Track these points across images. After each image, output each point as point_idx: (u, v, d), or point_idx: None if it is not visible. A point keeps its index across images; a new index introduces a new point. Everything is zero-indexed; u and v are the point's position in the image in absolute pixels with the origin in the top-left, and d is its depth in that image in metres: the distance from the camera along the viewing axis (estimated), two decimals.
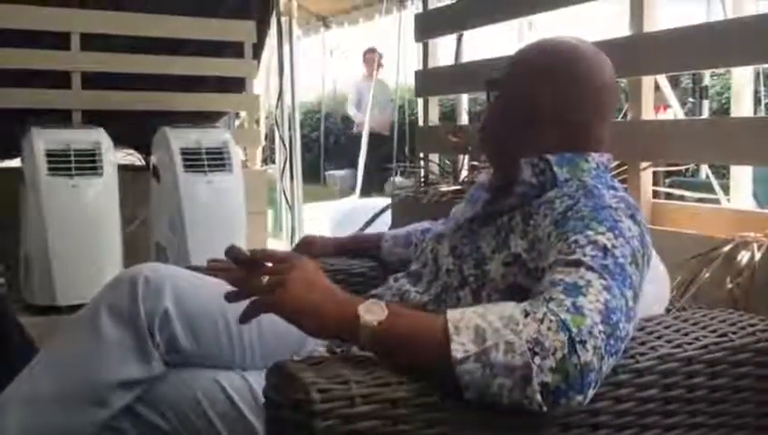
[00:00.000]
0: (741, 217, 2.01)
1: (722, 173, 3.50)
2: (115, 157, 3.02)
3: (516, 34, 6.87)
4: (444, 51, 3.59)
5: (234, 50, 3.73)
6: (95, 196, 2.85)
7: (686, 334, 1.13)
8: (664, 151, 2.19)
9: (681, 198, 2.56)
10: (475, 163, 2.96)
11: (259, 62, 4.04)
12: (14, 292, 2.81)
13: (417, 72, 3.66)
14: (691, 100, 4.12)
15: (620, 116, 2.38)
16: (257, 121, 4.18)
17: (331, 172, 11.49)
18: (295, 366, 0.95)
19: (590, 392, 0.92)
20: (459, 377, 0.91)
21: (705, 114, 4.02)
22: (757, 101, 4.16)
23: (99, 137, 2.94)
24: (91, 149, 2.87)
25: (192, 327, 1.25)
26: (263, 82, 5.40)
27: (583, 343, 0.91)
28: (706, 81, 4.11)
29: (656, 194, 2.35)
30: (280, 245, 4.90)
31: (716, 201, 2.70)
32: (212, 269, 1.48)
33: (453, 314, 0.96)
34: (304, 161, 5.75)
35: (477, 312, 0.96)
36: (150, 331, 1.22)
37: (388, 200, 3.66)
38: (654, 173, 2.31)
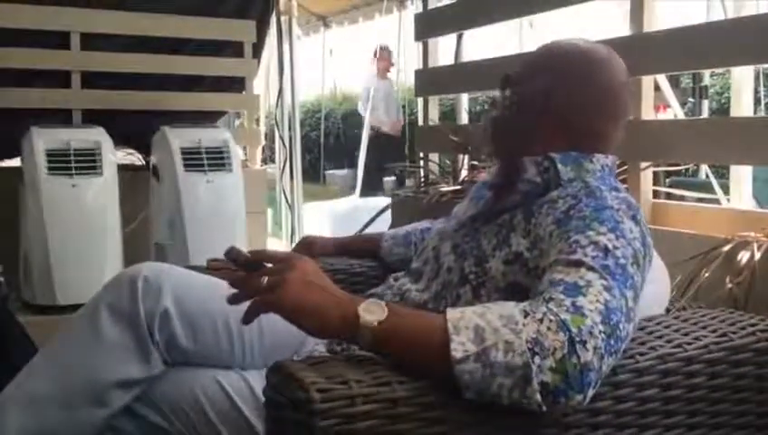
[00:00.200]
0: (741, 216, 2.01)
1: (721, 173, 3.51)
2: (115, 156, 3.02)
3: (516, 34, 6.87)
4: (444, 50, 3.58)
5: (234, 49, 3.73)
6: (95, 195, 2.85)
7: (686, 334, 1.13)
8: (664, 151, 2.19)
9: (681, 197, 2.56)
10: (475, 163, 2.96)
11: (259, 61, 4.04)
12: (13, 291, 2.81)
13: (417, 72, 3.65)
14: (691, 99, 4.12)
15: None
16: (257, 121, 4.18)
17: (331, 172, 11.49)
18: (295, 366, 0.95)
19: (590, 392, 0.92)
20: (459, 377, 0.91)
21: (705, 114, 4.02)
22: (757, 101, 4.16)
23: (99, 136, 2.94)
24: (90, 148, 2.87)
25: (192, 327, 1.25)
26: (263, 82, 5.39)
27: (583, 342, 0.91)
28: (706, 80, 4.11)
29: (656, 194, 2.35)
30: (280, 244, 4.90)
31: (716, 201, 2.70)
32: (212, 269, 1.48)
33: (453, 314, 0.96)
34: (304, 161, 5.75)
35: (477, 311, 0.96)
36: (150, 330, 1.22)
37: (388, 200, 3.66)
38: (654, 173, 2.31)
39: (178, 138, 3.04)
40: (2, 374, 1.27)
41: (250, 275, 1.07)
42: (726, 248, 1.74)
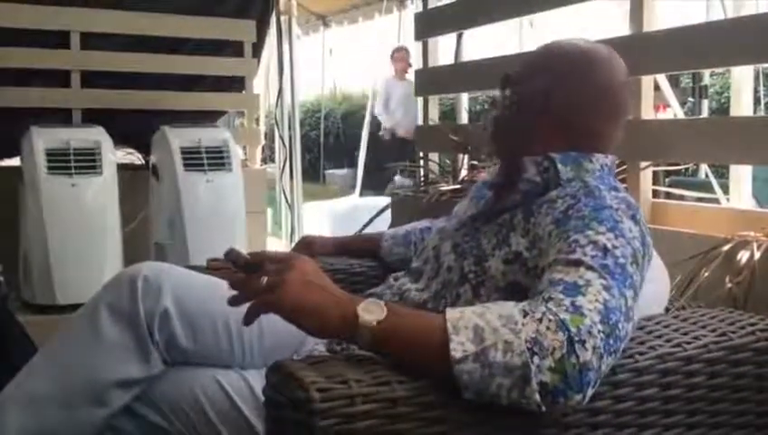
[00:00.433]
0: (740, 216, 2.01)
1: (721, 172, 3.51)
2: (115, 156, 3.02)
3: (517, 33, 6.87)
4: (444, 50, 3.58)
5: (233, 49, 3.73)
6: (95, 195, 2.85)
7: (685, 334, 1.13)
8: (663, 151, 2.19)
9: (681, 197, 2.56)
10: (475, 162, 2.96)
11: (259, 61, 4.04)
12: (13, 291, 2.81)
13: (416, 72, 3.65)
14: (691, 99, 4.13)
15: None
16: (257, 121, 4.18)
17: (331, 171, 11.50)
18: (295, 365, 0.95)
19: (589, 392, 0.92)
20: (458, 377, 0.91)
21: (705, 114, 4.03)
22: (757, 101, 4.16)
23: (98, 136, 2.94)
24: (90, 148, 2.87)
25: (192, 326, 1.25)
26: (262, 82, 5.39)
27: (582, 342, 0.91)
28: (706, 80, 4.11)
29: (655, 193, 2.35)
30: (279, 244, 4.90)
31: (716, 201, 2.70)
32: (212, 269, 1.48)
33: (452, 314, 0.96)
34: (304, 160, 5.75)
35: (476, 311, 0.96)
36: (150, 330, 1.22)
37: (387, 200, 3.66)
38: (653, 173, 2.31)
39: (178, 137, 3.04)
40: (2, 374, 1.27)
41: (249, 277, 1.07)
42: (726, 248, 1.74)
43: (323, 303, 1.00)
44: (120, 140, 3.25)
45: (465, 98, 3.58)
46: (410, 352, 0.96)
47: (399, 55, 7.58)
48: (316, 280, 1.03)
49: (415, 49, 3.96)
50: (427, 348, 0.94)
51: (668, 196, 2.59)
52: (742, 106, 2.36)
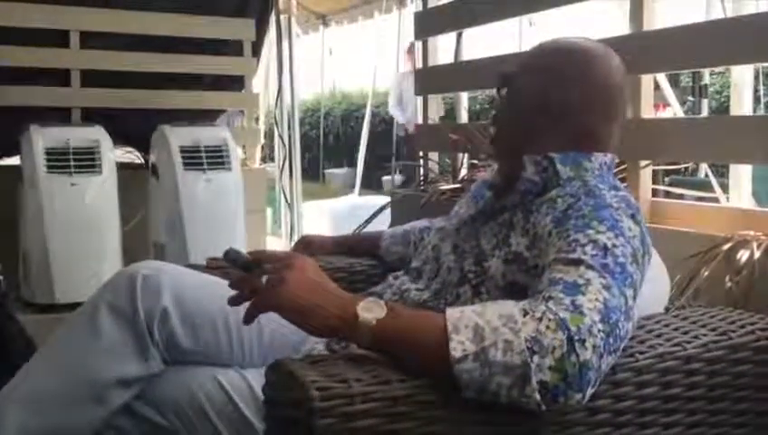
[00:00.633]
0: (740, 215, 2.00)
1: (721, 172, 3.51)
2: (114, 155, 3.01)
3: (517, 32, 6.87)
4: (443, 49, 3.58)
5: (233, 48, 3.73)
6: (94, 194, 2.84)
7: (685, 333, 1.13)
8: (663, 150, 2.19)
9: (680, 196, 2.56)
10: (475, 162, 2.96)
11: (258, 60, 4.04)
12: (12, 290, 2.81)
13: (416, 71, 3.65)
14: (690, 98, 4.13)
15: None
16: (256, 120, 4.18)
17: (331, 171, 11.50)
18: (294, 364, 0.95)
19: (589, 391, 0.92)
20: (458, 376, 0.91)
21: (705, 113, 4.03)
22: (756, 100, 4.16)
23: (98, 135, 2.94)
24: (90, 147, 2.87)
25: (191, 325, 1.25)
26: (262, 81, 5.39)
27: (582, 341, 0.91)
28: (706, 79, 4.11)
29: (655, 193, 2.35)
30: (279, 243, 4.89)
31: (716, 200, 2.70)
32: (211, 268, 1.48)
33: (452, 313, 0.96)
34: (303, 160, 5.75)
35: (476, 311, 0.96)
36: (149, 329, 1.22)
37: (386, 198, 3.65)
38: (653, 172, 2.31)
39: (178, 136, 3.04)
40: (1, 373, 1.27)
41: (249, 276, 1.07)
42: (726, 247, 1.73)
43: (323, 302, 1.00)
44: (120, 139, 3.24)
45: (464, 97, 3.58)
46: (410, 351, 0.96)
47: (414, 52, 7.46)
48: (316, 279, 1.03)
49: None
50: (427, 347, 0.94)
51: (668, 195, 2.59)
52: (742, 105, 2.36)
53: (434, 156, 3.42)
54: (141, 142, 3.35)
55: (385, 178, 7.87)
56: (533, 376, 0.89)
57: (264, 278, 1.04)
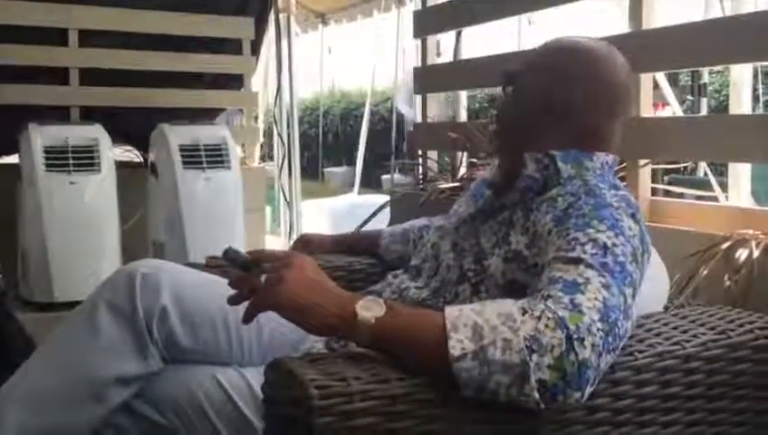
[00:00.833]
0: (740, 214, 2.00)
1: (720, 171, 3.51)
2: (113, 153, 3.01)
3: (516, 31, 6.87)
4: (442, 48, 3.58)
5: (232, 47, 3.72)
6: (93, 192, 2.84)
7: (684, 332, 1.13)
8: (663, 149, 2.19)
9: (680, 195, 2.56)
10: (474, 160, 2.96)
11: (257, 58, 4.03)
12: (11, 289, 2.81)
13: (415, 69, 3.65)
14: (690, 97, 4.13)
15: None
16: (255, 118, 4.17)
17: (330, 169, 11.50)
18: (294, 363, 0.95)
19: (588, 390, 0.93)
20: (456, 374, 0.91)
21: (704, 112, 4.03)
22: (755, 99, 4.16)
23: (97, 133, 2.93)
24: (88, 145, 2.86)
25: (190, 324, 1.25)
26: (261, 80, 5.39)
27: (581, 340, 0.91)
28: (705, 78, 4.11)
29: (654, 191, 2.35)
30: (278, 242, 4.89)
31: (715, 199, 2.70)
32: (210, 266, 1.48)
33: (451, 312, 0.96)
34: (302, 158, 5.75)
35: (475, 309, 0.96)
36: (148, 327, 1.22)
37: (386, 197, 3.66)
38: (653, 171, 2.31)
39: (177, 135, 3.03)
40: (0, 372, 1.27)
41: (248, 275, 1.07)
42: (725, 246, 1.73)
43: (322, 300, 1.00)
44: (119, 137, 3.24)
45: (463, 96, 3.58)
46: (409, 349, 0.96)
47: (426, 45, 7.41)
48: (314, 278, 1.03)
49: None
50: (426, 346, 0.94)
51: (667, 194, 2.59)
52: (741, 104, 2.36)
53: (433, 154, 3.42)
54: (140, 141, 3.35)
55: (384, 176, 7.87)
56: (532, 375, 0.89)
57: (263, 277, 1.04)
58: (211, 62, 3.69)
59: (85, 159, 2.83)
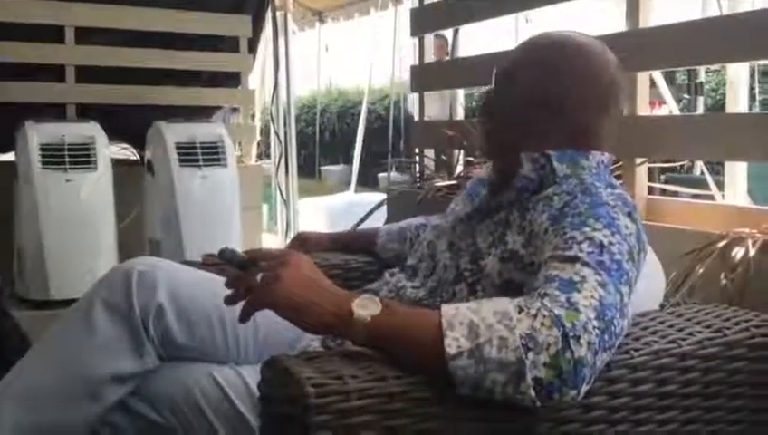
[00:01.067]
0: (736, 213, 2.01)
1: (716, 170, 3.52)
2: (109, 151, 3.00)
3: (513, 29, 6.87)
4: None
5: (229, 44, 3.72)
6: (89, 190, 2.83)
7: (680, 330, 1.14)
8: (659, 147, 2.19)
9: (675, 194, 2.57)
10: (471, 158, 2.96)
11: (254, 56, 4.03)
12: (7, 286, 2.80)
13: (412, 67, 3.65)
14: (686, 96, 4.14)
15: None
16: (252, 116, 4.17)
17: (326, 167, 11.50)
18: (290, 361, 0.95)
19: (584, 388, 0.93)
20: (453, 373, 0.91)
21: (701, 110, 4.03)
22: (751, 98, 4.17)
23: (93, 131, 2.93)
24: (85, 143, 2.86)
25: (186, 322, 1.25)
26: (258, 77, 5.38)
27: (577, 338, 0.91)
28: (701, 77, 4.12)
29: (651, 190, 2.35)
30: (275, 240, 4.89)
31: (711, 197, 2.71)
32: (207, 264, 1.48)
33: (447, 310, 0.96)
34: (299, 156, 5.75)
35: (471, 307, 0.96)
36: (144, 325, 1.22)
37: (382, 195, 3.66)
38: (649, 169, 2.32)
39: (173, 133, 3.03)
40: None
41: (245, 274, 1.07)
42: (721, 244, 1.73)
43: (318, 298, 1.00)
44: (115, 135, 3.23)
45: (461, 94, 3.58)
46: (405, 347, 0.96)
47: (438, 43, 7.27)
48: (311, 276, 1.03)
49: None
50: (422, 344, 0.94)
51: (664, 193, 2.59)
52: (737, 103, 2.36)
53: (429, 153, 3.42)
54: (137, 138, 3.34)
55: (381, 174, 7.88)
56: (528, 373, 0.89)
57: (259, 276, 1.04)
58: (208, 60, 3.69)
59: (81, 156, 2.83)
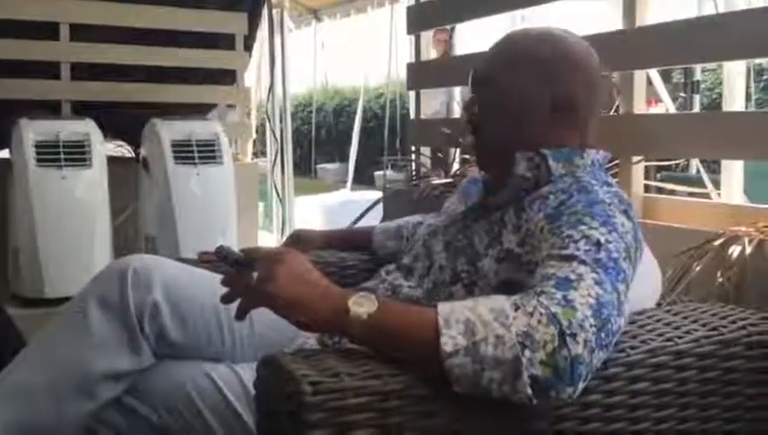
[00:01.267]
0: (732, 211, 2.01)
1: (713, 169, 3.52)
2: (104, 148, 3.00)
3: (509, 26, 6.86)
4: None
5: (225, 42, 3.71)
6: (84, 187, 2.83)
7: (676, 328, 1.14)
8: (656, 145, 2.19)
9: (671, 192, 2.57)
10: (467, 156, 2.96)
11: (250, 54, 4.02)
12: (2, 284, 2.80)
13: (408, 65, 3.65)
14: (682, 94, 4.14)
15: (612, 110, 2.38)
16: (248, 114, 4.16)
17: (322, 165, 11.49)
18: (286, 358, 0.95)
19: (581, 385, 0.92)
20: (449, 370, 0.91)
21: (697, 109, 4.04)
22: (747, 97, 4.18)
23: (88, 128, 2.92)
24: (80, 140, 2.85)
25: (182, 319, 1.24)
26: (254, 75, 5.37)
27: (573, 335, 0.91)
28: (697, 76, 4.13)
29: (647, 188, 2.35)
30: (271, 238, 4.89)
31: (707, 196, 2.71)
32: (202, 262, 1.48)
33: (443, 308, 0.96)
34: (295, 155, 5.75)
35: (467, 305, 0.96)
36: (140, 323, 1.22)
37: (378, 193, 3.65)
38: (645, 168, 2.32)
39: (169, 130, 3.02)
40: None
41: (241, 272, 1.06)
42: (717, 243, 1.74)
43: (314, 296, 1.00)
44: (111, 132, 3.23)
45: (457, 92, 3.58)
46: (401, 345, 0.96)
47: (442, 36, 7.15)
48: (307, 274, 1.03)
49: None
50: (418, 342, 0.94)
51: (660, 191, 2.60)
52: (734, 101, 2.36)
53: (426, 151, 3.42)
54: (132, 136, 3.33)
55: (377, 173, 7.87)
56: (525, 371, 0.89)
57: (256, 274, 1.04)
58: (204, 58, 3.69)
59: (76, 153, 2.82)
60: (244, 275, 1.05)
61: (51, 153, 2.78)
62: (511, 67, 1.27)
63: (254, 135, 4.60)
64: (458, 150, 3.07)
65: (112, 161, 3.08)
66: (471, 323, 0.92)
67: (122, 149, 3.55)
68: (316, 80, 11.61)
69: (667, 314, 1.21)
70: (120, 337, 1.21)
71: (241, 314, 1.06)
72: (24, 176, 2.76)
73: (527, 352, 0.89)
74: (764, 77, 6.63)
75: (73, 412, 1.20)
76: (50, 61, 3.35)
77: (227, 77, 3.80)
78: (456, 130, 2.92)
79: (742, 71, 2.96)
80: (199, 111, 3.72)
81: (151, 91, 3.52)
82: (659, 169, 2.99)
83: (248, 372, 1.18)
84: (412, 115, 3.64)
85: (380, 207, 3.35)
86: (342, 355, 0.97)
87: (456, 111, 3.57)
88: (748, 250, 1.67)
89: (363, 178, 8.24)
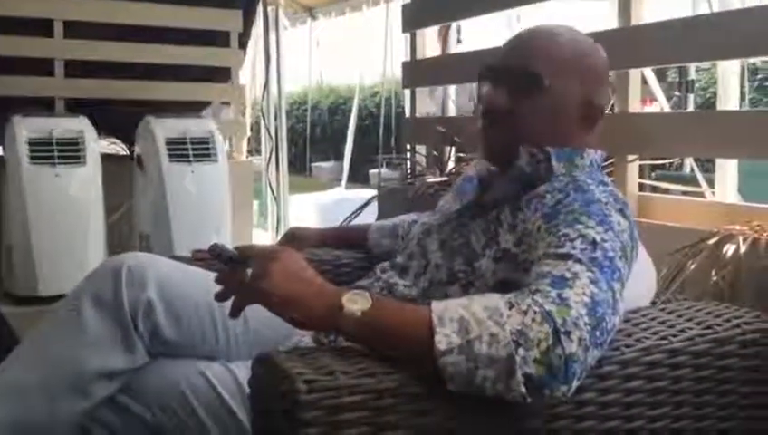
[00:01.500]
0: (727, 210, 2.02)
1: (707, 167, 3.53)
2: (98, 146, 2.99)
3: (505, 24, 6.86)
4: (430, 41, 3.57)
5: (220, 39, 3.70)
6: (78, 185, 2.82)
7: (671, 326, 1.14)
8: (650, 144, 2.19)
9: (666, 191, 2.58)
10: (462, 154, 2.96)
11: (245, 52, 4.01)
12: None
13: (404, 63, 3.64)
14: (677, 93, 4.15)
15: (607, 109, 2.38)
16: (243, 112, 4.16)
17: (317, 164, 11.48)
18: (281, 357, 0.95)
19: (575, 383, 0.92)
20: (443, 369, 0.91)
21: (691, 108, 4.05)
22: (741, 96, 4.19)
23: (82, 125, 2.91)
24: (74, 137, 2.84)
25: (176, 317, 1.24)
26: (249, 73, 5.37)
27: (568, 334, 0.91)
28: (692, 75, 4.14)
29: (642, 187, 2.36)
30: (265, 236, 4.89)
31: (701, 195, 2.72)
32: (196, 260, 1.47)
33: (437, 306, 0.96)
34: (290, 153, 5.74)
35: (462, 303, 0.96)
36: (134, 321, 1.21)
37: (373, 192, 3.65)
38: (640, 167, 2.32)
39: (163, 128, 3.01)
40: None
41: (235, 270, 1.06)
42: (712, 241, 1.74)
43: (308, 293, 1.00)
44: (105, 129, 3.21)
45: (452, 90, 3.58)
46: (395, 343, 0.96)
47: (446, 33, 7.14)
48: (301, 271, 1.03)
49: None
50: (412, 340, 0.94)
51: (654, 190, 2.60)
52: (728, 100, 2.37)
53: (421, 149, 3.42)
54: (126, 133, 3.32)
55: (372, 171, 7.87)
56: (518, 369, 0.89)
57: (250, 272, 1.04)
58: (198, 55, 3.67)
59: (70, 151, 2.81)
60: (239, 272, 1.05)
61: (44, 151, 2.77)
62: (561, 66, 1.24)
63: (249, 133, 4.60)
64: (454, 149, 3.07)
65: (106, 159, 3.07)
66: (465, 321, 0.92)
67: (116, 147, 3.54)
68: (311, 78, 11.59)
69: (662, 313, 1.21)
70: (113, 335, 1.20)
71: (235, 312, 1.05)
72: (17, 173, 2.75)
73: (521, 351, 0.89)
74: (759, 76, 6.65)
75: (67, 411, 1.20)
76: (44, 58, 3.33)
77: (222, 75, 3.78)
78: (452, 129, 2.92)
79: (736, 70, 2.97)
80: (194, 108, 3.71)
81: (145, 89, 3.51)
82: (654, 167, 3.00)
83: (243, 371, 1.17)
84: (407, 113, 3.64)
85: (375, 205, 3.34)
86: (337, 353, 0.97)
87: (452, 110, 3.56)
88: (742, 249, 1.68)
89: (358, 177, 8.23)
